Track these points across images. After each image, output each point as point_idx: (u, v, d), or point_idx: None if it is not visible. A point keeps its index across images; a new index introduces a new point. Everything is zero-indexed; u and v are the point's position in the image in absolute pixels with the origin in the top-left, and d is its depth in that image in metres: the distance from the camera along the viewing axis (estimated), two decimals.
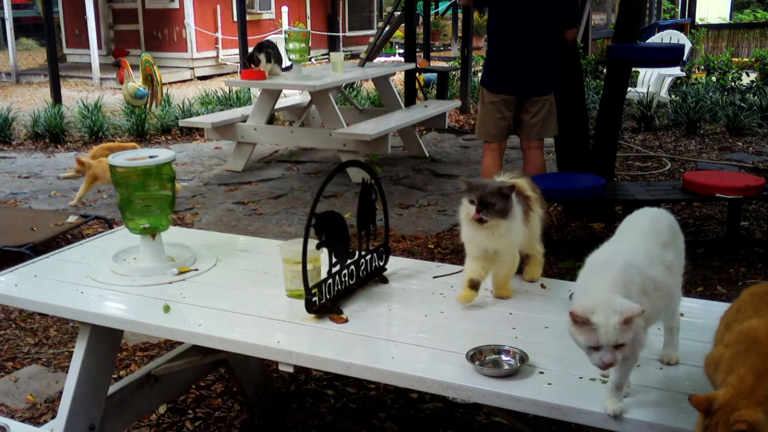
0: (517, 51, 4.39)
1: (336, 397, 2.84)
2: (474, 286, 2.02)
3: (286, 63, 7.23)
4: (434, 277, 2.23)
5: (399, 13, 8.53)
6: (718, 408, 1.26)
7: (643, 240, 1.65)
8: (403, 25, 8.52)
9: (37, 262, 2.43)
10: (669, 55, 5.55)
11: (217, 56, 13.84)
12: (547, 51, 4.43)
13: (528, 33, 4.36)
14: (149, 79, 8.95)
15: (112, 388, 2.37)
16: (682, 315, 1.93)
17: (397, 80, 10.37)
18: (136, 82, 8.94)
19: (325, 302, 1.96)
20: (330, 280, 1.99)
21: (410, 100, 8.46)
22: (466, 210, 2.00)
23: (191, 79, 13.29)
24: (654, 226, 1.70)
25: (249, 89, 9.14)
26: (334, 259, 2.02)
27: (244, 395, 2.78)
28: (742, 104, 8.62)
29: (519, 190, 2.10)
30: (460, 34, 11.83)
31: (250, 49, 6.75)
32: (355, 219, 2.16)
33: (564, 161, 5.10)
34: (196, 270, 2.30)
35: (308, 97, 7.17)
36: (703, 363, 1.47)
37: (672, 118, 8.35)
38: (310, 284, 1.92)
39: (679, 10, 16.04)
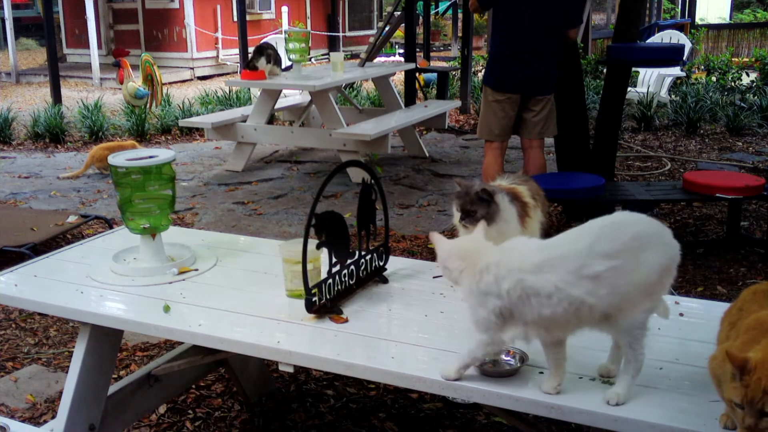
0: (522, 49, 4.39)
1: (336, 397, 2.84)
2: None
3: (286, 63, 7.23)
4: (434, 277, 2.23)
5: (399, 13, 8.54)
6: (755, 366, 1.28)
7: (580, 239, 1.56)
8: (403, 25, 8.52)
9: (37, 262, 2.43)
10: (669, 55, 5.55)
11: (217, 56, 13.85)
12: (551, 50, 4.44)
13: (534, 31, 4.36)
14: (149, 79, 8.96)
15: (112, 388, 2.37)
16: (681, 315, 1.94)
17: (397, 80, 10.37)
18: (136, 82, 8.94)
19: (325, 302, 1.96)
20: (330, 280, 1.99)
21: (410, 100, 8.46)
22: (456, 216, 2.06)
23: (191, 79, 13.29)
24: (606, 231, 1.56)
25: (249, 89, 9.14)
26: (334, 259, 2.02)
27: (244, 395, 2.78)
28: (742, 104, 8.63)
29: (516, 195, 2.10)
30: (460, 34, 11.84)
31: (251, 50, 6.74)
32: (355, 219, 2.16)
33: (564, 161, 5.10)
34: (196, 270, 2.30)
35: (308, 97, 7.18)
36: (708, 361, 1.47)
37: (672, 118, 8.35)
38: (310, 284, 1.92)
39: (679, 10, 16.04)
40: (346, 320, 1.93)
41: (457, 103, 8.74)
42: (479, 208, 1.99)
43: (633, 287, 1.50)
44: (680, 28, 11.95)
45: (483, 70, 5.04)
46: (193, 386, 2.88)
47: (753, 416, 1.29)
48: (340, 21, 16.80)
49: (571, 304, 1.49)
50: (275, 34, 12.98)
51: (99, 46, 12.70)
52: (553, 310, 1.50)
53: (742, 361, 1.30)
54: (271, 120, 7.46)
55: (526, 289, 1.51)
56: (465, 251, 1.61)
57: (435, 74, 9.65)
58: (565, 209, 5.00)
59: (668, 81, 9.46)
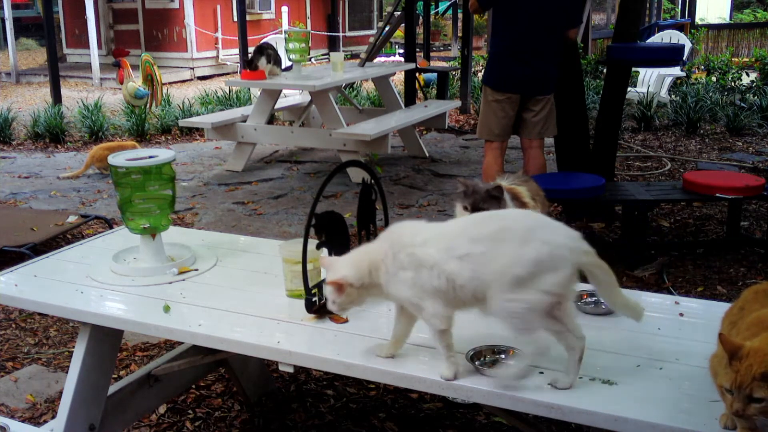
0: (522, 49, 4.39)
1: (336, 397, 2.84)
2: None
3: (286, 63, 7.23)
4: None
5: (399, 13, 8.54)
6: (748, 353, 1.30)
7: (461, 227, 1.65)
8: (403, 25, 8.52)
9: (37, 262, 2.43)
10: (669, 55, 5.55)
11: (217, 56, 13.85)
12: (551, 50, 4.44)
13: (534, 31, 4.36)
14: (149, 79, 8.96)
15: (112, 388, 2.37)
16: (681, 315, 1.93)
17: (397, 80, 10.37)
18: (136, 82, 8.94)
19: (325, 302, 1.95)
20: None
21: (410, 100, 8.46)
22: (461, 215, 2.02)
23: (191, 79, 13.29)
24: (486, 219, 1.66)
25: (249, 89, 9.14)
26: None
27: (244, 395, 2.78)
28: (742, 104, 8.62)
29: (516, 195, 2.10)
30: (460, 34, 11.84)
31: (251, 50, 6.75)
32: (355, 219, 2.16)
33: (564, 161, 5.10)
34: (196, 270, 2.30)
35: (308, 97, 7.18)
36: (708, 360, 1.47)
37: (672, 118, 8.35)
38: (310, 284, 1.92)
39: (679, 10, 16.04)
40: (346, 320, 1.93)
41: (457, 103, 8.74)
42: (491, 206, 1.97)
43: (497, 276, 1.54)
44: (680, 28, 11.95)
45: (483, 70, 5.03)
46: (193, 386, 2.88)
47: (741, 401, 1.31)
48: (340, 21, 16.80)
49: (448, 280, 1.57)
50: (275, 34, 12.98)
51: (99, 46, 12.70)
52: (438, 284, 1.58)
53: (735, 347, 1.32)
54: (271, 120, 7.46)
55: (416, 260, 1.60)
56: (361, 258, 1.67)
57: (435, 74, 9.64)
58: (565, 209, 5.00)
59: (668, 81, 9.46)
